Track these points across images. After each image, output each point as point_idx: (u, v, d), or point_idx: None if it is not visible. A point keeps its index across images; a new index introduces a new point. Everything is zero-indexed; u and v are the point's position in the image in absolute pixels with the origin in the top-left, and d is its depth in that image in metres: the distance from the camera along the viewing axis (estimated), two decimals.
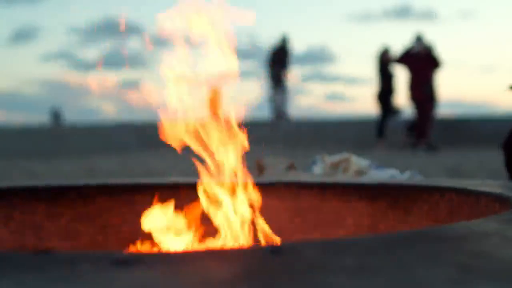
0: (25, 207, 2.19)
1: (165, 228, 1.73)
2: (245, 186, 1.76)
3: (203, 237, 1.74)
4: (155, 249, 1.67)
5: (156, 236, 1.73)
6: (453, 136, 12.26)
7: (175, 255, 0.89)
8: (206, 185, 1.74)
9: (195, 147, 1.74)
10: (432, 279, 0.78)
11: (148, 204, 1.85)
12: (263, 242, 1.73)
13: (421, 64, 10.49)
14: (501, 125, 12.73)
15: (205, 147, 1.75)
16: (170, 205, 1.80)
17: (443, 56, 10.64)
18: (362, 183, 2.26)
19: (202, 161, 1.76)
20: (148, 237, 1.75)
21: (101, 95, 1.83)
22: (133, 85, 1.94)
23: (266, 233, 1.75)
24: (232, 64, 1.77)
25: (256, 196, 1.75)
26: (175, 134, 1.73)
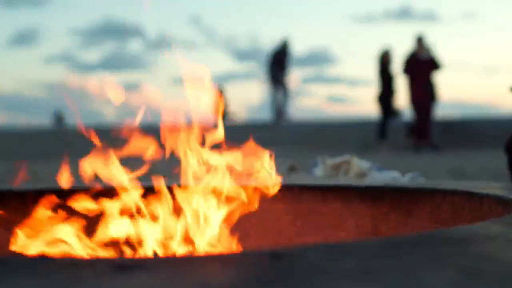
0: (26, 211, 2.18)
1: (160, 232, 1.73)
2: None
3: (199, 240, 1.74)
4: (154, 254, 1.66)
5: (153, 240, 1.72)
6: (456, 137, 12.24)
7: (175, 260, 0.88)
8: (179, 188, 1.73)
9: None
10: (436, 283, 0.77)
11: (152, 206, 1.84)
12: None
13: (423, 67, 10.48)
14: (504, 127, 12.71)
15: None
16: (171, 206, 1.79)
17: (445, 58, 10.66)
18: (364, 186, 2.25)
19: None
20: (147, 240, 1.74)
21: (101, 98, 1.82)
22: (134, 87, 1.93)
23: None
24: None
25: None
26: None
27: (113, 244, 1.81)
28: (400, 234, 2.06)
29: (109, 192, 1.83)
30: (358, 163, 3.13)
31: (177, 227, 1.69)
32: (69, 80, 1.88)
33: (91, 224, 1.78)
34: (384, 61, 11.16)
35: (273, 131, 13.49)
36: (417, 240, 1.00)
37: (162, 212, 1.75)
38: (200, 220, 1.74)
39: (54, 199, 1.81)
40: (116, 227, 1.72)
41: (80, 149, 1.79)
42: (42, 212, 1.77)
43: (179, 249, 1.66)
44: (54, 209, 1.82)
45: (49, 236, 1.74)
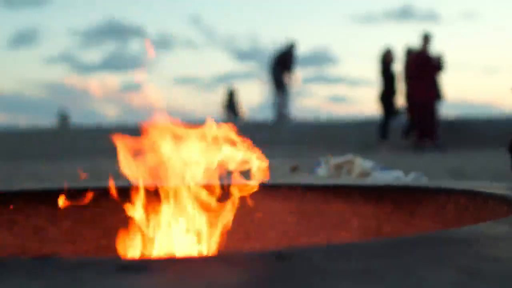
0: (28, 211, 2.18)
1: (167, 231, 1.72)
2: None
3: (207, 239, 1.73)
4: (159, 254, 1.65)
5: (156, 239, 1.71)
6: (457, 137, 12.23)
7: (180, 261, 0.87)
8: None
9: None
10: (437, 283, 0.77)
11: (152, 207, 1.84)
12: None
13: (429, 65, 10.35)
14: (504, 127, 12.72)
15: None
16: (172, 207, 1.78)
17: (446, 58, 10.55)
18: (367, 185, 2.25)
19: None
20: (150, 239, 1.73)
21: (103, 98, 1.82)
22: (134, 87, 1.93)
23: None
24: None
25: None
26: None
27: (115, 245, 1.81)
28: (404, 234, 2.05)
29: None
30: (361, 163, 3.12)
31: (179, 228, 1.68)
32: (69, 80, 1.88)
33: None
34: (386, 61, 11.15)
35: (274, 131, 13.49)
36: (418, 240, 1.00)
37: (163, 213, 1.74)
38: (201, 220, 1.73)
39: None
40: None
41: (84, 148, 1.78)
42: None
43: (182, 249, 1.65)
44: None
45: None
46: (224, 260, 0.84)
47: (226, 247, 1.72)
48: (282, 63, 14.54)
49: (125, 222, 2.17)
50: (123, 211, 1.90)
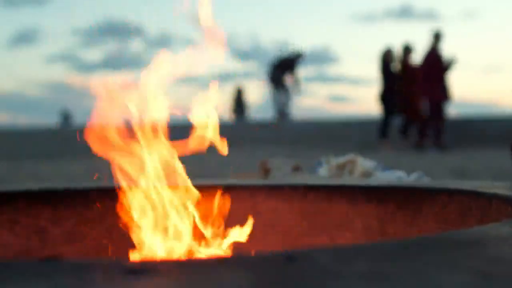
0: (30, 211, 2.17)
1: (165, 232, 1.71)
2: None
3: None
4: (166, 256, 1.64)
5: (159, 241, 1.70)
6: (458, 136, 12.23)
7: (188, 263, 0.87)
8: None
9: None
10: (451, 286, 0.76)
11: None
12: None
13: (439, 65, 10.14)
14: (505, 126, 12.71)
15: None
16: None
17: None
18: (370, 185, 2.24)
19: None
20: (154, 241, 1.72)
21: (102, 97, 1.81)
22: (135, 86, 1.92)
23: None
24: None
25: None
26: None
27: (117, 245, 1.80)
28: (407, 234, 2.04)
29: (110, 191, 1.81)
30: (363, 163, 3.12)
31: (182, 229, 1.68)
32: (70, 79, 1.87)
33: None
34: (387, 60, 11.14)
35: (274, 131, 13.48)
36: (428, 242, 0.99)
37: (164, 214, 1.73)
38: (204, 221, 1.72)
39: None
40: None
41: (85, 148, 1.77)
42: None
43: (185, 251, 1.64)
44: None
45: None
46: (233, 263, 0.83)
47: (230, 248, 1.72)
48: (284, 66, 14.59)
49: (126, 222, 2.17)
50: (124, 211, 1.89)
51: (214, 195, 1.92)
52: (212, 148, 1.82)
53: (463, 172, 6.06)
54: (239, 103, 17.25)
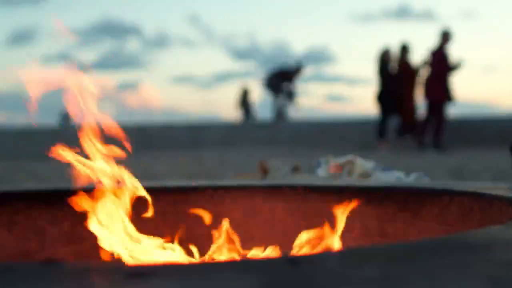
0: (28, 212, 2.16)
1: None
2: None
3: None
4: (167, 260, 1.63)
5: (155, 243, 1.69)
6: (456, 136, 12.24)
7: (190, 267, 0.86)
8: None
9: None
10: None
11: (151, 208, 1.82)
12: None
13: (445, 64, 9.95)
14: (504, 126, 12.71)
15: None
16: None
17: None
18: (370, 186, 2.23)
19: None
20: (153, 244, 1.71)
21: (98, 97, 1.80)
22: (131, 86, 1.91)
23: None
24: None
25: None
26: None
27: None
28: (408, 235, 2.03)
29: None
30: (362, 164, 3.11)
31: (184, 232, 1.66)
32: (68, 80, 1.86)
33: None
34: (384, 60, 11.14)
35: (272, 131, 13.48)
36: (436, 245, 0.98)
37: (164, 215, 1.72)
38: (205, 222, 1.71)
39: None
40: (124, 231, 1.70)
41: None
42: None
43: (187, 254, 1.63)
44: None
45: None
46: (234, 266, 0.82)
47: (229, 249, 1.71)
48: (284, 76, 14.81)
49: (125, 223, 2.15)
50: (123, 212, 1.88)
51: (212, 197, 1.91)
52: (212, 149, 1.81)
53: (462, 172, 6.05)
54: (245, 103, 17.27)
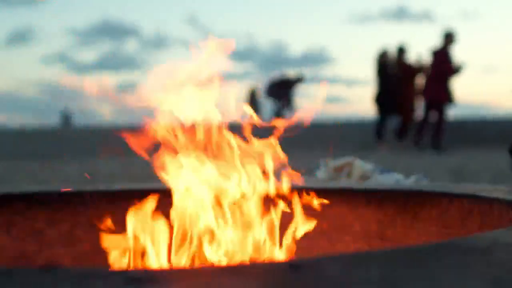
0: (26, 214, 2.15)
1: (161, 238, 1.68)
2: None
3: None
4: (167, 265, 1.62)
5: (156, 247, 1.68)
6: (455, 137, 12.24)
7: (190, 272, 0.85)
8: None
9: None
10: None
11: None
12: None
13: (447, 65, 9.86)
14: (504, 126, 12.71)
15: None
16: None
17: (465, 66, 10.06)
18: (369, 188, 2.23)
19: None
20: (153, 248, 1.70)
21: (97, 98, 1.80)
22: (130, 87, 1.91)
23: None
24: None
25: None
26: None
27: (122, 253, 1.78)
28: (407, 238, 2.03)
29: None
30: (361, 166, 3.11)
31: (187, 236, 1.65)
32: (65, 80, 1.85)
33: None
34: (383, 61, 11.14)
35: (272, 131, 13.47)
36: (437, 248, 0.97)
37: (165, 218, 1.71)
38: (208, 227, 1.70)
39: None
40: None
41: (83, 149, 1.76)
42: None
43: (189, 259, 1.62)
44: None
45: None
46: (236, 271, 0.81)
47: (230, 253, 1.70)
48: (284, 86, 15.03)
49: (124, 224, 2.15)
50: (121, 214, 1.88)
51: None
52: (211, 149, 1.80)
53: (462, 172, 6.05)
54: (253, 104, 17.34)
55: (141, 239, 1.66)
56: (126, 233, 1.69)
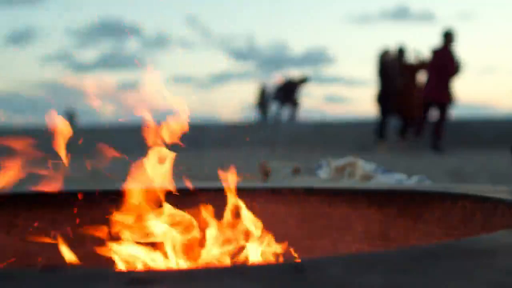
0: (28, 214, 2.15)
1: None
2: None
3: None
4: (170, 265, 1.61)
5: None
6: (455, 137, 12.23)
7: (192, 273, 0.84)
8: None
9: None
10: None
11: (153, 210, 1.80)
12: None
13: (449, 64, 9.80)
14: (503, 127, 12.70)
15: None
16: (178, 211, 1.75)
17: (465, 65, 9.99)
18: (371, 189, 2.22)
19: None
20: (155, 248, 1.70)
21: (99, 97, 1.79)
22: (131, 86, 1.90)
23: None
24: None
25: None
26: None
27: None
28: (409, 239, 2.02)
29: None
30: (363, 166, 3.10)
31: (186, 237, 1.65)
32: (66, 79, 1.85)
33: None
34: (384, 61, 11.14)
35: (271, 131, 13.47)
36: (440, 250, 0.96)
37: (166, 219, 1.71)
38: (207, 227, 1.70)
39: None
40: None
41: (90, 148, 1.76)
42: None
43: (190, 260, 1.62)
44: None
45: None
46: (240, 272, 0.81)
47: (232, 253, 1.69)
48: (288, 88, 15.17)
49: (126, 226, 2.14)
50: (124, 214, 1.87)
51: (213, 198, 1.89)
52: (212, 149, 1.79)
53: (460, 173, 6.04)
54: (262, 102, 17.32)
55: (143, 239, 1.66)
56: (128, 233, 1.68)
